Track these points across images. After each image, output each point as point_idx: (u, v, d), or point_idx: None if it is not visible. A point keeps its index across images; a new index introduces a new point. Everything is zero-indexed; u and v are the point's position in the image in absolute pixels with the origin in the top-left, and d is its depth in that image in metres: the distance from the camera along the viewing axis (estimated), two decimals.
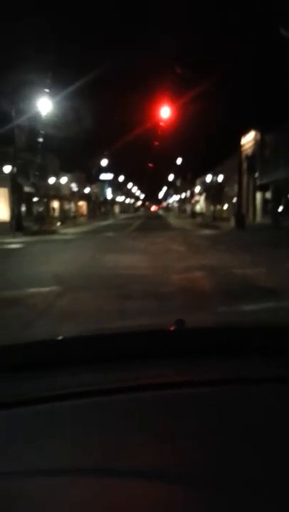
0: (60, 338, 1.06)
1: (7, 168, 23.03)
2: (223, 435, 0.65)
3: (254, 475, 0.56)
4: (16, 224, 19.14)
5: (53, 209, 36.87)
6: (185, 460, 0.60)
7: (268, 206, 25.57)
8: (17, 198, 22.95)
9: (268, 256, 8.73)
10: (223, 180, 33.03)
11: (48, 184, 32.88)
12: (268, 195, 25.53)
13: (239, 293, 4.99)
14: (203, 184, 43.56)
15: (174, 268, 7.13)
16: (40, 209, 31.01)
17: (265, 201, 26.53)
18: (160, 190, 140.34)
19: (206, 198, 43.06)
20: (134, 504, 0.52)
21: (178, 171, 61.82)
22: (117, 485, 0.55)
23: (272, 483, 0.55)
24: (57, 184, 33.84)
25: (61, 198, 36.33)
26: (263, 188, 25.72)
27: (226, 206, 34.40)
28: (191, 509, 0.52)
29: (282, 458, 0.59)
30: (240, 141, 23.14)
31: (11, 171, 22.92)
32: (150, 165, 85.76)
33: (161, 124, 32.05)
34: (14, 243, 14.01)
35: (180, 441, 0.64)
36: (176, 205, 78.09)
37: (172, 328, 1.00)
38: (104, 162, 51.74)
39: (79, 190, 45.41)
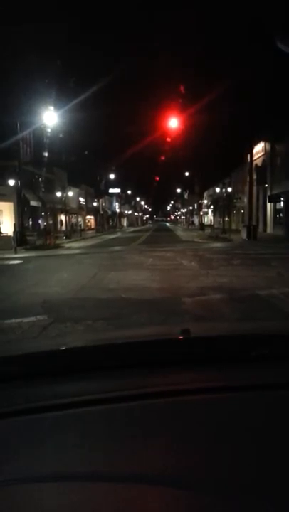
0: (67, 347, 1.06)
1: (13, 182, 22.60)
2: (229, 441, 0.66)
3: (261, 480, 0.56)
4: (20, 238, 18.35)
5: (61, 222, 36.33)
6: (191, 466, 0.60)
7: (280, 217, 24.80)
8: (20, 212, 22.42)
9: None
10: (231, 192, 32.22)
11: (56, 198, 32.45)
12: (279, 205, 24.73)
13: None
14: (211, 196, 42.72)
15: (187, 289, 6.02)
16: (45, 223, 30.42)
17: (276, 212, 25.74)
18: (167, 203, 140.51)
19: (215, 210, 42.15)
20: (139, 509, 0.53)
21: (185, 183, 61.24)
22: (122, 490, 0.56)
23: (278, 488, 0.55)
24: (64, 198, 33.37)
25: (68, 212, 35.79)
26: (274, 199, 25.02)
27: (235, 218, 33.49)
28: None
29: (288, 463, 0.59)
30: (250, 151, 22.44)
31: (15, 185, 22.49)
32: (156, 178, 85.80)
33: (168, 139, 31.49)
34: (12, 259, 13.08)
35: (186, 447, 0.65)
36: (183, 217, 77.29)
37: (179, 337, 1.01)
38: (112, 176, 51.51)
39: (87, 204, 44.95)
